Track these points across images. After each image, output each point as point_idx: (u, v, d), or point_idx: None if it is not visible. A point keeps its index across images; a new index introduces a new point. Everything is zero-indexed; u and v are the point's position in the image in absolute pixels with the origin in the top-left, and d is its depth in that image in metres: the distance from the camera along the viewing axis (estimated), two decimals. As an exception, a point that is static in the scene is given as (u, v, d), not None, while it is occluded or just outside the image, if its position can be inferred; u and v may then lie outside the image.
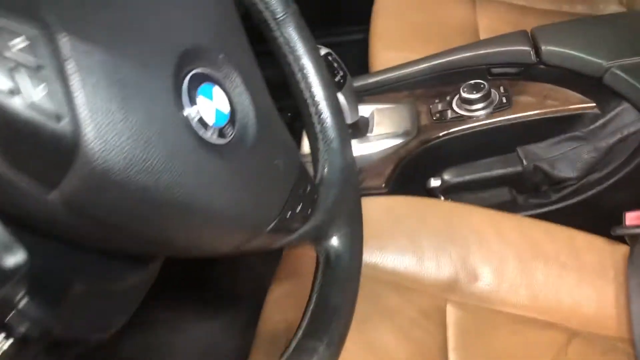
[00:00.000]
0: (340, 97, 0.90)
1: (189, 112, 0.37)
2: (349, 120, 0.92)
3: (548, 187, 0.89)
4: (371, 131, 0.94)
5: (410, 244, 0.79)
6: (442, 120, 0.92)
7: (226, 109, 0.40)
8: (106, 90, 0.31)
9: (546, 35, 0.91)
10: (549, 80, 0.91)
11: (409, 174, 0.90)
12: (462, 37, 1.29)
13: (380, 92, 1.02)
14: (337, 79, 0.89)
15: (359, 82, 1.04)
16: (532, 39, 0.94)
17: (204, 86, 0.39)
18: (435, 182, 0.89)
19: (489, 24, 1.32)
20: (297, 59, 0.57)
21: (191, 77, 0.38)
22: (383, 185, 0.90)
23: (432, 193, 0.90)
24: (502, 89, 0.93)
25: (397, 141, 0.91)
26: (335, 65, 0.91)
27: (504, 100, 0.91)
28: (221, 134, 0.39)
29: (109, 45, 0.32)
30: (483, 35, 1.30)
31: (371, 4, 1.41)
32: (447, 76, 0.98)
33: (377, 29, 1.34)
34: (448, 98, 0.95)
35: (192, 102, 0.37)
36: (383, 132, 0.93)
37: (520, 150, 0.88)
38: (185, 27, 0.39)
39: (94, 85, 0.30)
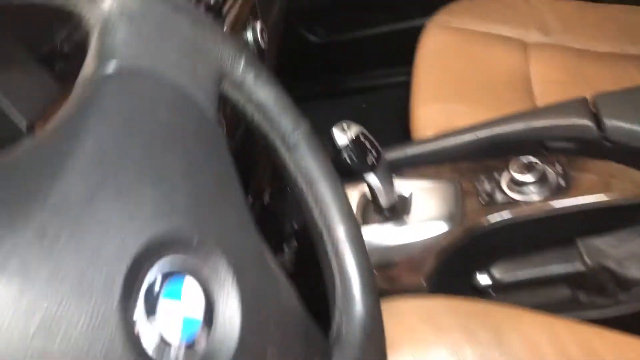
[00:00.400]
0: (374, 178, 0.81)
1: (144, 330, 0.29)
2: (384, 203, 0.83)
3: (615, 285, 0.77)
4: (409, 214, 0.85)
5: (451, 356, 0.69)
6: (490, 204, 0.82)
7: (198, 312, 0.32)
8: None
9: (611, 106, 0.80)
10: (615, 159, 0.80)
11: (452, 268, 0.80)
12: (512, 87, 1.18)
13: (421, 165, 0.93)
14: (370, 160, 0.80)
15: (397, 154, 0.95)
16: (594, 108, 0.82)
17: (171, 282, 0.31)
18: (482, 279, 0.79)
19: (543, 72, 1.21)
20: (311, 185, 0.49)
21: (152, 274, 0.31)
22: (423, 281, 0.80)
23: (478, 290, 0.80)
24: (559, 167, 0.82)
25: (440, 228, 0.81)
26: (368, 144, 0.82)
27: (562, 182, 0.80)
28: (189, 351, 0.31)
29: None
30: (536, 85, 1.19)
31: (415, 44, 1.32)
32: (495, 148, 0.88)
33: (419, 78, 1.25)
34: (497, 176, 0.84)
35: (151, 312, 0.30)
36: (423, 216, 0.84)
37: (581, 244, 0.77)
38: (146, 209, 0.32)
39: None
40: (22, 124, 0.54)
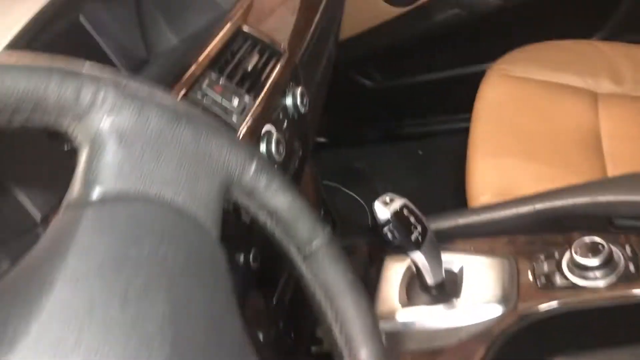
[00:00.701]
0: (419, 256, 0.75)
1: None
2: (431, 282, 0.77)
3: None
4: (459, 295, 0.78)
5: None
6: (547, 287, 0.73)
7: None
8: None
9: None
10: (695, 242, 0.70)
11: (504, 358, 0.72)
12: (579, 144, 1.09)
13: (473, 236, 0.85)
14: (414, 237, 0.74)
15: (448, 223, 0.88)
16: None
17: None
18: (539, 375, 0.71)
19: (614, 126, 1.11)
20: (331, 300, 0.44)
21: None
22: (471, 373, 0.72)
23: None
24: (628, 249, 0.73)
25: (492, 312, 0.74)
26: (412, 219, 0.76)
27: (632, 268, 0.70)
28: None
29: None
30: (606, 141, 1.09)
31: (475, 91, 1.25)
32: (556, 223, 0.80)
33: (477, 130, 1.18)
34: (557, 255, 0.76)
35: None
36: (474, 297, 0.76)
37: (656, 343, 0.68)
38: None
39: None
40: (37, 216, 0.52)
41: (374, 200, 0.70)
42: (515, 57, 1.31)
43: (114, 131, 0.34)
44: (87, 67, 0.35)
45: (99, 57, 0.79)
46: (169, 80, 0.70)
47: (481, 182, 1.06)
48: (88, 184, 0.33)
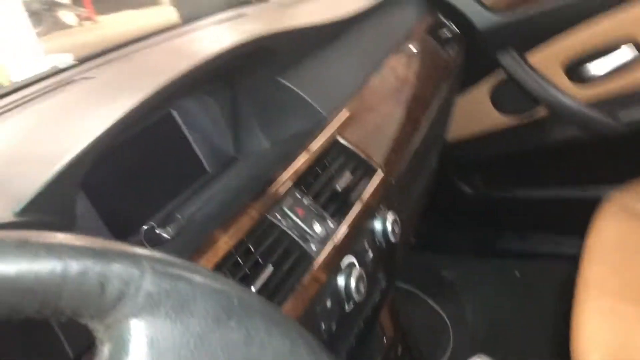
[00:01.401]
0: None
1: None
2: None
3: None
4: None
5: None
6: None
7: None
8: None
9: None
10: None
11: None
12: None
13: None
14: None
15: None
16: None
17: None
18: None
19: None
20: None
21: None
22: None
23: None
24: None
25: None
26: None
27: None
28: None
29: None
30: None
31: (588, 217, 1.11)
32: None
33: (587, 269, 1.03)
34: None
35: None
36: None
37: None
38: None
39: None
40: (69, 355, 0.46)
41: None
42: (636, 189, 1.16)
43: (143, 335, 0.27)
44: (117, 246, 0.28)
45: (186, 151, 0.75)
46: (251, 192, 0.64)
47: (590, 337, 0.90)
48: None
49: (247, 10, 1.23)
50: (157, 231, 0.59)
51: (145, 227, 0.61)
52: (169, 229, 0.60)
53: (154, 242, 0.59)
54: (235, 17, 1.14)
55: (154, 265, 0.28)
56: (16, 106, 0.68)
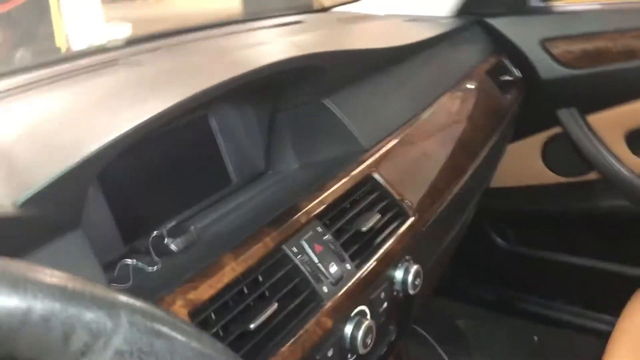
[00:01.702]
0: None
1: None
2: None
3: None
4: None
5: None
6: None
7: None
8: None
9: None
10: None
11: None
12: None
13: None
14: None
15: None
16: None
17: None
18: None
19: None
20: None
21: None
22: None
23: None
24: None
25: None
26: None
27: None
28: None
29: None
30: None
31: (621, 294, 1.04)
32: None
33: (615, 352, 0.96)
34: None
35: None
36: None
37: None
38: None
39: None
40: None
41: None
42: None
43: None
44: (94, 289, 0.24)
45: (214, 158, 0.72)
46: (271, 216, 0.60)
47: None
48: None
49: (307, 17, 1.20)
50: (166, 241, 0.56)
51: (155, 233, 0.57)
52: (178, 240, 0.57)
53: (161, 251, 0.56)
54: (293, 23, 1.11)
55: (132, 318, 0.25)
56: (54, 82, 0.66)
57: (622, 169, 1.22)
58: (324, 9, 1.38)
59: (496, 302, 1.51)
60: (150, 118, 0.48)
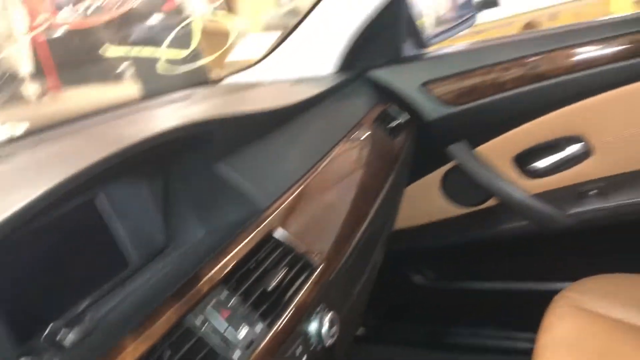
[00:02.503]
0: None
1: None
2: None
3: None
4: None
5: None
6: None
7: None
8: None
9: None
10: None
11: None
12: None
13: None
14: None
15: None
16: None
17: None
18: None
19: None
20: None
21: None
22: None
23: None
24: None
25: None
26: None
27: None
28: None
29: None
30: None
31: (540, 310, 1.08)
32: None
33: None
34: None
35: None
36: None
37: None
38: None
39: None
40: None
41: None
42: (587, 287, 1.15)
43: None
44: None
45: (108, 241, 0.69)
46: (173, 289, 0.58)
47: None
48: None
49: (197, 91, 1.22)
50: (60, 336, 0.53)
51: (49, 328, 0.54)
52: (74, 332, 0.54)
53: (57, 347, 0.53)
54: (182, 99, 1.12)
55: None
56: None
57: (515, 192, 1.29)
58: (216, 81, 1.40)
59: (426, 339, 1.53)
60: (22, 208, 0.46)
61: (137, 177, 0.75)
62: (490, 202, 1.36)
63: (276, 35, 1.41)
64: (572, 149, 1.28)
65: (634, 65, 1.16)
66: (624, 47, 1.17)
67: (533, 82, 1.22)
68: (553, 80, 1.20)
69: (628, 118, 1.21)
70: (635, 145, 1.23)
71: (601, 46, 1.19)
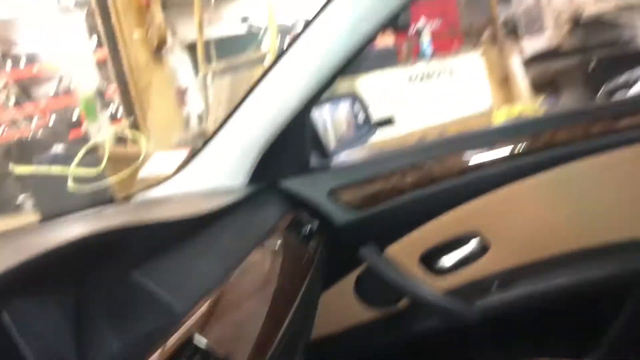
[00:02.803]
0: None
1: None
2: None
3: None
4: None
5: None
6: None
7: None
8: None
9: None
10: None
11: None
12: None
13: None
14: None
15: None
16: None
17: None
18: None
19: None
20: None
21: None
22: None
23: None
24: None
25: None
26: None
27: None
28: None
29: None
30: None
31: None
32: None
33: None
34: None
35: None
36: None
37: None
38: None
39: None
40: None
41: None
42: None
43: None
44: None
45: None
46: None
47: None
48: None
49: (108, 208, 1.21)
50: None
51: None
52: None
53: None
54: (93, 215, 1.10)
55: None
56: None
57: (424, 291, 1.35)
58: (127, 198, 1.39)
59: None
60: None
61: (45, 292, 0.72)
62: (404, 303, 1.40)
63: (185, 152, 1.44)
64: (472, 245, 1.37)
65: (516, 166, 1.30)
66: (507, 149, 1.31)
67: (429, 185, 1.32)
68: (447, 182, 1.31)
69: (516, 212, 1.33)
70: (526, 237, 1.34)
71: (487, 150, 1.32)
